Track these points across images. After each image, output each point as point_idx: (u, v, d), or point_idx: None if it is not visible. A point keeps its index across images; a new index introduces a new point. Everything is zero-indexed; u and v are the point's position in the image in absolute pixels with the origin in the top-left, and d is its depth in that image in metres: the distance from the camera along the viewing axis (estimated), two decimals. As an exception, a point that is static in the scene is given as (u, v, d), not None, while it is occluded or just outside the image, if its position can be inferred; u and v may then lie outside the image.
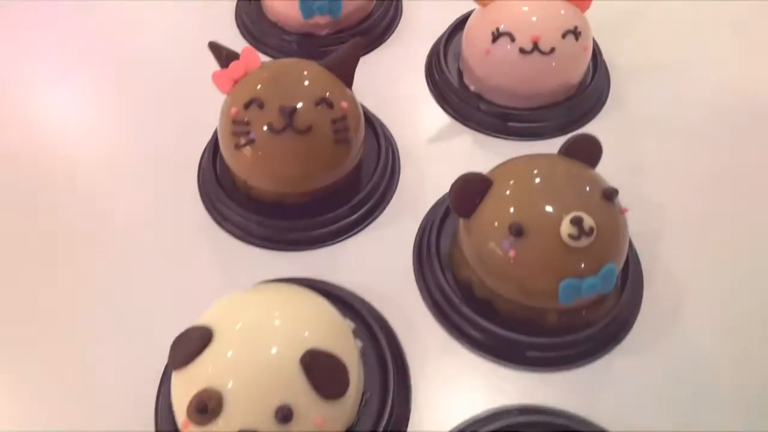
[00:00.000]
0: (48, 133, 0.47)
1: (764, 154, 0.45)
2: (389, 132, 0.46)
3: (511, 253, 0.32)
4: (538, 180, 0.33)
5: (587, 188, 0.33)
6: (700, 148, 0.45)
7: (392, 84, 0.50)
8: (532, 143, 0.45)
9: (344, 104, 0.38)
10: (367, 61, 0.51)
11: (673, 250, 0.40)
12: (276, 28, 0.51)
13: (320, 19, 0.49)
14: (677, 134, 0.46)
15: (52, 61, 0.52)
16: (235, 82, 0.38)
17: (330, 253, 0.40)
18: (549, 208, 0.32)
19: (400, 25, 0.54)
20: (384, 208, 0.42)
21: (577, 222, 0.31)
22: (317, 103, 0.37)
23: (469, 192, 0.34)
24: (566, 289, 0.32)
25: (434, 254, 0.38)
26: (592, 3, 0.44)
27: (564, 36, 0.42)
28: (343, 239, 0.41)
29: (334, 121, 0.37)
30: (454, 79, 0.48)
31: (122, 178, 0.44)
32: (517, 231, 0.32)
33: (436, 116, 0.48)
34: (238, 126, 0.37)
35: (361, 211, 0.41)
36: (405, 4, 0.55)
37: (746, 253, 0.40)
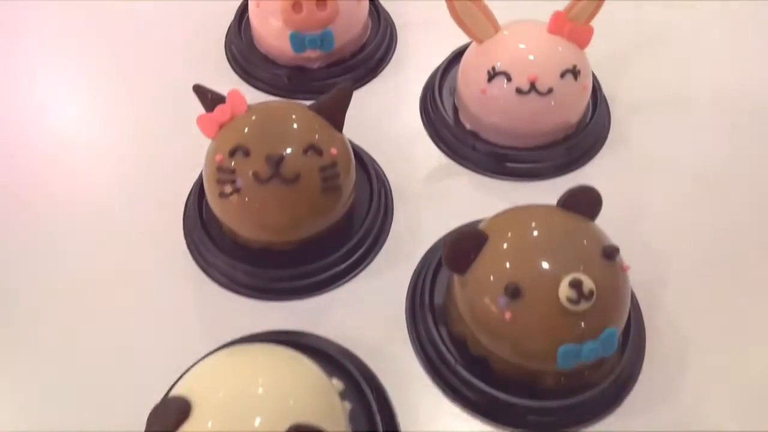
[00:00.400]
0: (29, 171, 0.46)
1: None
2: (382, 171, 0.45)
3: (507, 315, 0.30)
4: (535, 236, 0.32)
5: (587, 246, 0.32)
6: (706, 190, 0.44)
7: (386, 119, 0.48)
8: (531, 184, 0.44)
9: (334, 150, 0.36)
10: (360, 94, 0.49)
11: (676, 302, 0.38)
12: (266, 61, 0.50)
13: (312, 53, 0.48)
14: (681, 174, 0.44)
15: (35, 92, 0.50)
16: (221, 126, 0.37)
17: (319, 303, 0.39)
18: (547, 269, 0.30)
19: (394, 56, 0.52)
20: (376, 254, 0.41)
21: (576, 285, 0.29)
22: (305, 151, 0.35)
23: (464, 248, 0.32)
24: (565, 355, 0.30)
25: (427, 307, 0.36)
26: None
27: (562, 76, 0.41)
28: (333, 288, 0.39)
29: (322, 169, 0.36)
30: (449, 116, 0.46)
31: (104, 219, 0.43)
32: (514, 292, 0.30)
33: (431, 154, 0.46)
34: (223, 174, 0.35)
35: (352, 258, 0.39)
36: (400, 35, 0.53)
37: (754, 304, 0.38)
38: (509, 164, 0.44)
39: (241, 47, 0.51)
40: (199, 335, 0.38)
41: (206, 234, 0.40)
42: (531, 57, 0.41)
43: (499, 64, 0.42)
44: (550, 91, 0.41)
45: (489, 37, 0.43)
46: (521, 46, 0.42)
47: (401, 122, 0.48)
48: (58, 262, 0.41)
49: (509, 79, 0.41)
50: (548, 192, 0.43)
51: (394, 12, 0.54)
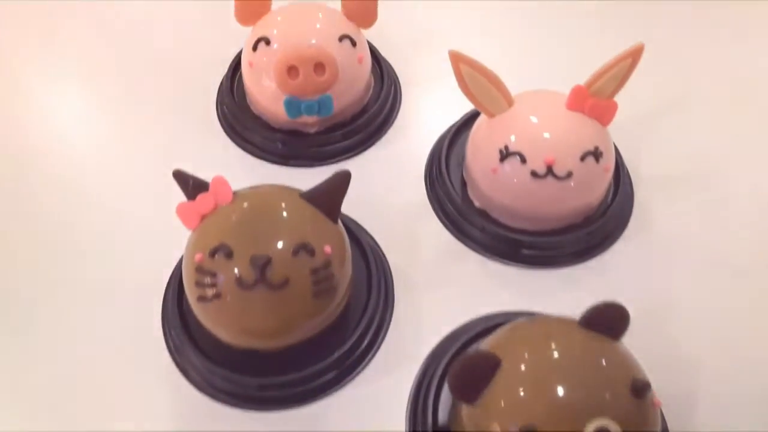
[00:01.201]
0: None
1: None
2: (382, 253, 0.41)
3: (523, 464, 0.26)
4: (555, 365, 0.28)
5: (613, 378, 0.27)
6: (743, 282, 0.39)
7: (387, 190, 0.44)
8: (546, 272, 0.40)
9: (328, 249, 0.32)
10: (359, 161, 0.45)
11: (709, 423, 0.34)
12: (260, 123, 0.46)
13: (308, 118, 0.44)
14: (713, 263, 0.40)
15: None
16: (203, 217, 0.33)
17: (308, 414, 0.35)
18: (568, 411, 0.26)
19: (398, 118, 0.48)
20: (374, 355, 0.36)
21: (602, 435, 0.25)
22: (295, 251, 0.31)
23: (474, 376, 0.28)
24: None
25: (430, 427, 0.32)
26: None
27: (583, 159, 0.37)
28: (325, 397, 0.35)
29: (314, 271, 0.32)
30: (456, 191, 0.42)
31: (76, 305, 0.39)
32: (530, 439, 0.26)
33: (436, 233, 0.42)
34: (203, 276, 0.31)
35: (347, 362, 0.35)
36: (405, 94, 0.49)
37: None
38: (523, 250, 0.40)
39: (233, 107, 0.47)
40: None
41: (184, 331, 0.36)
42: (547, 135, 0.37)
43: (513, 139, 0.38)
44: (569, 175, 0.37)
45: (501, 112, 0.39)
46: (537, 123, 0.38)
47: (404, 195, 0.44)
48: (29, 347, 0.37)
49: (524, 160, 0.37)
50: (565, 281, 0.40)
51: (398, 68, 0.51)
